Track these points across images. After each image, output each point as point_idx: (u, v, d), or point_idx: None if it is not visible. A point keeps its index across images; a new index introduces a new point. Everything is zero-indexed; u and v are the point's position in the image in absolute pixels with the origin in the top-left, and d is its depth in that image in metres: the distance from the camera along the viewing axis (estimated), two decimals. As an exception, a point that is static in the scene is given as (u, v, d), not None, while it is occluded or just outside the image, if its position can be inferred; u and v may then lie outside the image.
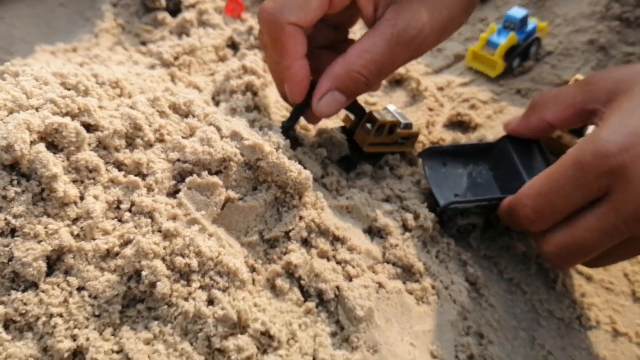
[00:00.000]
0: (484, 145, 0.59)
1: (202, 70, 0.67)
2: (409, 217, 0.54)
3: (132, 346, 0.38)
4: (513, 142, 0.57)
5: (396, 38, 0.50)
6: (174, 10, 0.79)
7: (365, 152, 0.58)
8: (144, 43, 0.76)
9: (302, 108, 0.54)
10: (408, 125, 0.59)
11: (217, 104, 0.59)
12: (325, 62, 0.52)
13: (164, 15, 0.77)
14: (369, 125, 0.58)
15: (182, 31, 0.74)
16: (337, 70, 0.51)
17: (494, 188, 0.57)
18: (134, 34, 0.77)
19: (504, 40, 0.73)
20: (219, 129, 0.46)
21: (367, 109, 0.59)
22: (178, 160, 0.44)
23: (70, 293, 0.38)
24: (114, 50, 0.70)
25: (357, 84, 0.52)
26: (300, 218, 0.48)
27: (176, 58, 0.65)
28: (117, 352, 0.38)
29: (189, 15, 0.74)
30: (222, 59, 0.69)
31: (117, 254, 0.40)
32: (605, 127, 0.45)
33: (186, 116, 0.48)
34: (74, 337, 0.37)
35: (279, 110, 0.66)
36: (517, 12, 0.74)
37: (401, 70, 0.75)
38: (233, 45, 0.71)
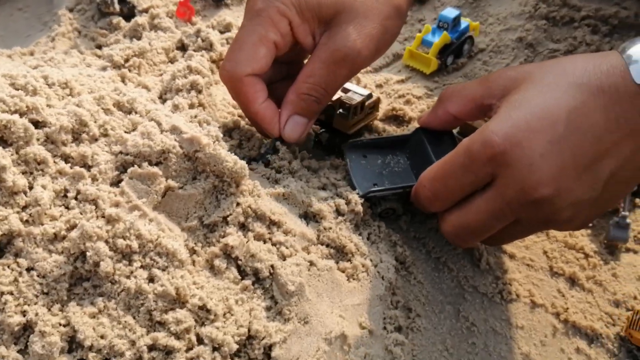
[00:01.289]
0: (400, 137, 0.64)
1: (152, 72, 0.71)
2: (341, 202, 0.59)
3: (78, 319, 0.42)
4: (426, 133, 0.62)
5: (332, 58, 0.57)
6: (128, 15, 0.82)
7: (350, 134, 0.65)
8: (99, 47, 0.80)
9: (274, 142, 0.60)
10: (370, 96, 0.67)
11: (163, 102, 0.63)
12: (283, 93, 0.59)
13: (118, 20, 0.81)
14: (343, 111, 0.64)
15: (134, 35, 0.78)
16: (290, 97, 0.58)
17: (410, 176, 0.62)
18: (90, 37, 0.81)
19: (438, 39, 0.79)
20: (159, 124, 0.51)
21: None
22: (120, 152, 0.49)
23: (20, 273, 0.42)
24: (70, 53, 0.74)
25: (310, 104, 0.58)
26: (238, 204, 0.53)
27: (127, 60, 0.69)
28: (64, 326, 0.42)
29: (141, 19, 0.78)
30: (172, 61, 0.73)
31: (64, 237, 0.44)
32: (494, 119, 0.50)
33: (129, 113, 0.53)
34: (23, 313, 0.41)
35: (225, 107, 0.70)
36: (450, 12, 0.80)
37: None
38: (183, 48, 0.76)
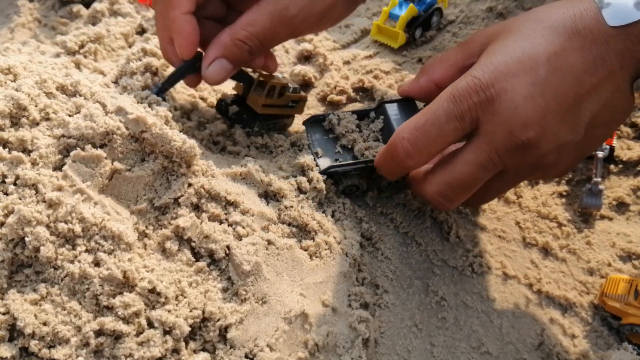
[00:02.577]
0: (363, 112, 0.62)
1: (110, 57, 0.69)
2: (303, 180, 0.57)
3: (17, 307, 0.41)
4: (389, 105, 0.61)
5: (278, 15, 0.54)
6: (89, 2, 0.81)
7: (259, 113, 0.61)
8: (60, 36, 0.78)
9: (184, 72, 0.56)
10: (296, 90, 0.63)
11: (118, 86, 0.61)
12: (213, 33, 0.56)
13: (78, 8, 0.80)
14: (260, 89, 0.61)
15: (94, 22, 0.76)
16: (224, 39, 0.55)
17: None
18: (50, 27, 0.79)
19: (404, 12, 0.77)
20: (104, 106, 0.49)
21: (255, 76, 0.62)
22: (63, 136, 0.47)
23: (-44, 262, 0.40)
24: (28, 43, 0.73)
25: (242, 52, 0.55)
26: (189, 185, 0.51)
27: (81, 46, 0.67)
28: (4, 314, 0.41)
29: (100, 5, 0.76)
30: (131, 46, 0.72)
31: (1, 224, 0.42)
32: (476, 66, 0.49)
33: (73, 96, 0.51)
34: (-40, 302, 0.40)
35: (185, 89, 0.69)
36: (416, -16, 0.78)
37: (309, 46, 0.78)
38: (142, 32, 0.74)
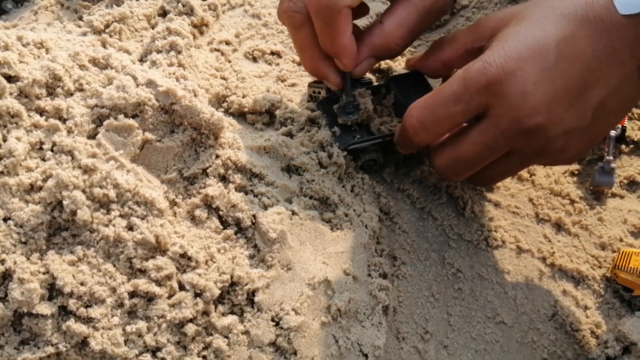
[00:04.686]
0: (374, 88, 0.63)
1: (134, 38, 0.71)
2: (324, 155, 0.59)
3: (57, 267, 0.43)
4: (398, 79, 0.63)
5: (428, 10, 0.57)
6: (110, -14, 0.82)
7: None
8: (82, 18, 0.80)
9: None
10: None
11: (143, 64, 0.63)
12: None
13: (100, -10, 0.81)
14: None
15: (116, 4, 0.77)
16: (376, 42, 0.58)
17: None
18: (73, 9, 0.81)
19: (419, -4, 0.78)
20: (135, 78, 0.51)
21: None
22: (96, 106, 0.49)
23: (-3, 223, 0.42)
24: (52, 24, 0.74)
25: (392, 53, 0.59)
26: (217, 157, 0.53)
27: (107, 26, 0.69)
28: (44, 273, 0.43)
29: (121, -12, 0.78)
30: (154, 27, 0.73)
31: (40, 187, 0.44)
32: (487, 52, 0.50)
33: (105, 68, 0.53)
34: (2, 262, 0.42)
35: (208, 69, 0.70)
36: (431, -32, 0.79)
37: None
38: (164, 14, 0.76)
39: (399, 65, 0.76)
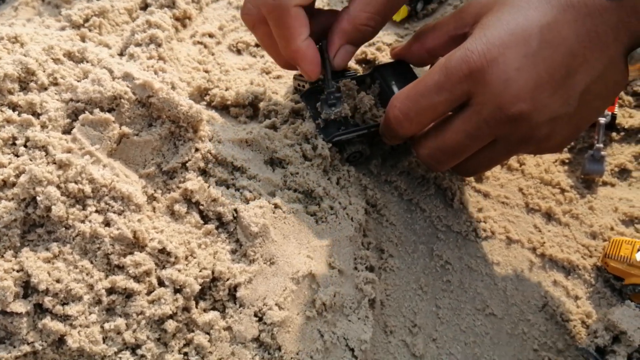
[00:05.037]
0: (359, 78, 0.62)
1: (114, 32, 0.70)
2: (308, 147, 0.58)
3: (31, 264, 0.42)
4: (383, 68, 0.62)
5: None
6: (92, -19, 0.81)
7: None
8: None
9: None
10: None
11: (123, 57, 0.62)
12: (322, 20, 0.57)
13: (81, -14, 0.80)
14: None
15: (97, -1, 0.76)
16: (345, 27, 0.56)
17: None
18: (54, 5, 0.79)
19: (406, -15, 0.77)
20: (111, 71, 0.50)
21: None
22: (71, 100, 0.48)
23: (-31, 220, 0.41)
24: (32, 20, 0.73)
25: (365, 35, 0.57)
26: (197, 150, 0.52)
27: (86, 20, 0.68)
28: (18, 271, 0.42)
29: (103, -18, 0.77)
30: (135, 21, 0.72)
31: (13, 184, 0.43)
32: (469, 39, 0.49)
33: (80, 62, 0.52)
34: (-25, 259, 0.41)
35: (190, 62, 0.69)
36: (417, -43, 0.78)
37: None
38: (146, 8, 0.74)
39: (385, 55, 0.75)
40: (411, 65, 0.62)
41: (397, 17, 0.79)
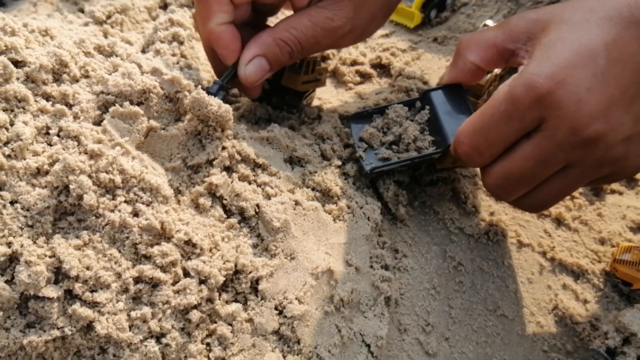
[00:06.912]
0: (408, 102, 0.61)
1: (135, 29, 0.71)
2: (327, 147, 0.59)
3: (63, 250, 0.43)
4: (435, 93, 0.60)
5: (322, 24, 0.55)
6: (110, -21, 0.82)
7: (301, 91, 0.63)
8: (82, 10, 0.79)
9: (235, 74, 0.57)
10: (319, 62, 0.65)
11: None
12: (243, 36, 0.56)
13: (100, -17, 0.81)
14: (295, 67, 0.62)
15: (117, -4, 0.78)
16: (264, 38, 0.55)
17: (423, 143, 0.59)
18: (72, 1, 0.81)
19: (421, -7, 0.79)
20: (140, 66, 0.51)
21: None
22: (102, 92, 0.49)
23: (4, 206, 0.42)
24: (52, 16, 0.74)
25: (283, 53, 0.56)
26: (224, 148, 0.53)
27: (108, 17, 0.69)
28: (50, 257, 0.43)
29: (122, -20, 0.78)
30: (155, 19, 0.73)
31: (46, 172, 0.44)
32: (532, 62, 0.47)
33: (110, 56, 0.53)
34: (8, 244, 0.42)
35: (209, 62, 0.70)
36: (432, -34, 0.80)
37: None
38: (165, 6, 0.76)
39: (399, 60, 0.76)
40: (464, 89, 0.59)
41: (410, 24, 0.81)
